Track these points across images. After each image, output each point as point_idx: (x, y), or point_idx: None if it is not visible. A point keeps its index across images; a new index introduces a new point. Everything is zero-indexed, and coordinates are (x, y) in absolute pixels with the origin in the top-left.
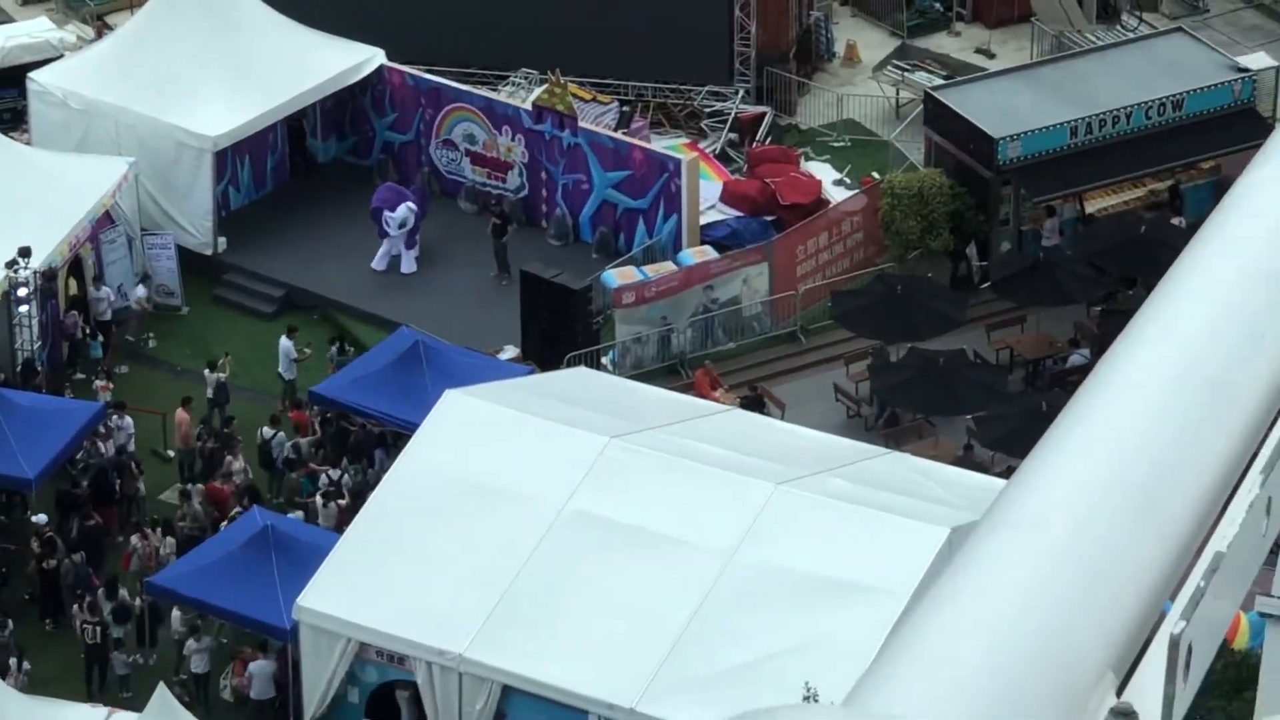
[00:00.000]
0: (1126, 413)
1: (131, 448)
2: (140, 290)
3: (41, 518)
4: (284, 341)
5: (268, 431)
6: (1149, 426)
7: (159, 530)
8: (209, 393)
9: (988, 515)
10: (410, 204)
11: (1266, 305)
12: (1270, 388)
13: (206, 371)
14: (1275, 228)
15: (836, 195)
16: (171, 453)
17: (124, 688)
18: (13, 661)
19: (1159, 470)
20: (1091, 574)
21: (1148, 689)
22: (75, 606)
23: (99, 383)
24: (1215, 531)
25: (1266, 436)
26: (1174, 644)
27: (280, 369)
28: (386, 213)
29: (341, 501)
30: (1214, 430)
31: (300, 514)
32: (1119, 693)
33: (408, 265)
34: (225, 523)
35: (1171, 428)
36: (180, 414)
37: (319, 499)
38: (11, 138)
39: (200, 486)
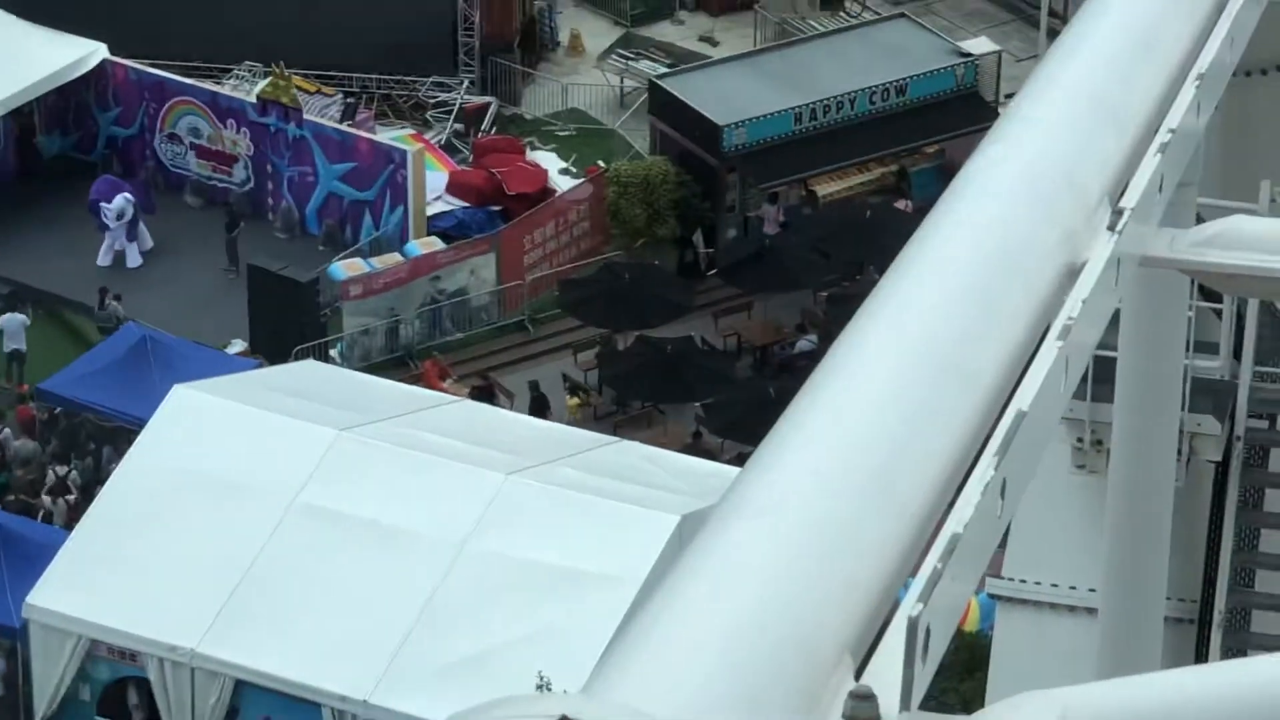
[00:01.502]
0: (859, 396)
1: None
2: None
3: None
4: (7, 317)
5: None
6: (882, 409)
7: None
8: None
9: (721, 502)
10: (127, 195)
11: (999, 286)
12: (1003, 369)
13: None
14: (1006, 208)
15: (563, 184)
16: None
17: None
18: None
19: (893, 453)
20: (827, 558)
21: (885, 672)
22: None
23: None
24: (950, 514)
25: (999, 419)
26: (912, 626)
27: (13, 345)
28: (103, 204)
29: (70, 497)
30: (947, 412)
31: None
32: (857, 675)
33: (133, 259)
34: None
35: (905, 410)
36: None
37: (46, 496)
38: None
39: None
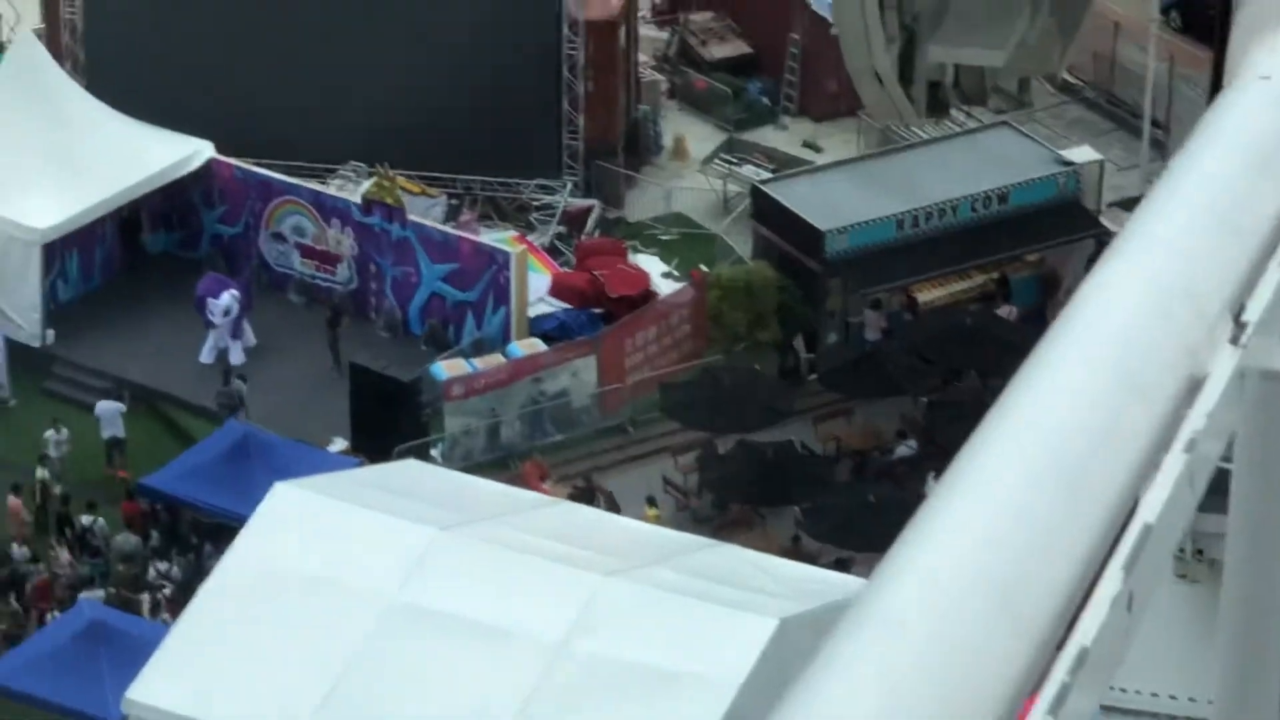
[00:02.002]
0: (982, 509)
1: None
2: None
3: None
4: (105, 404)
5: (87, 518)
6: (1005, 522)
7: None
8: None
9: (850, 611)
10: (233, 291)
11: (1121, 400)
12: (1126, 482)
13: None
14: (1127, 321)
15: (665, 288)
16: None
17: None
18: None
19: (1017, 566)
20: (951, 671)
21: None
22: None
23: None
24: (1076, 627)
25: (1123, 532)
26: None
27: (110, 429)
28: (210, 300)
29: (165, 591)
30: (1071, 525)
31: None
32: None
33: (236, 356)
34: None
35: (1028, 523)
36: (12, 501)
37: (146, 594)
38: None
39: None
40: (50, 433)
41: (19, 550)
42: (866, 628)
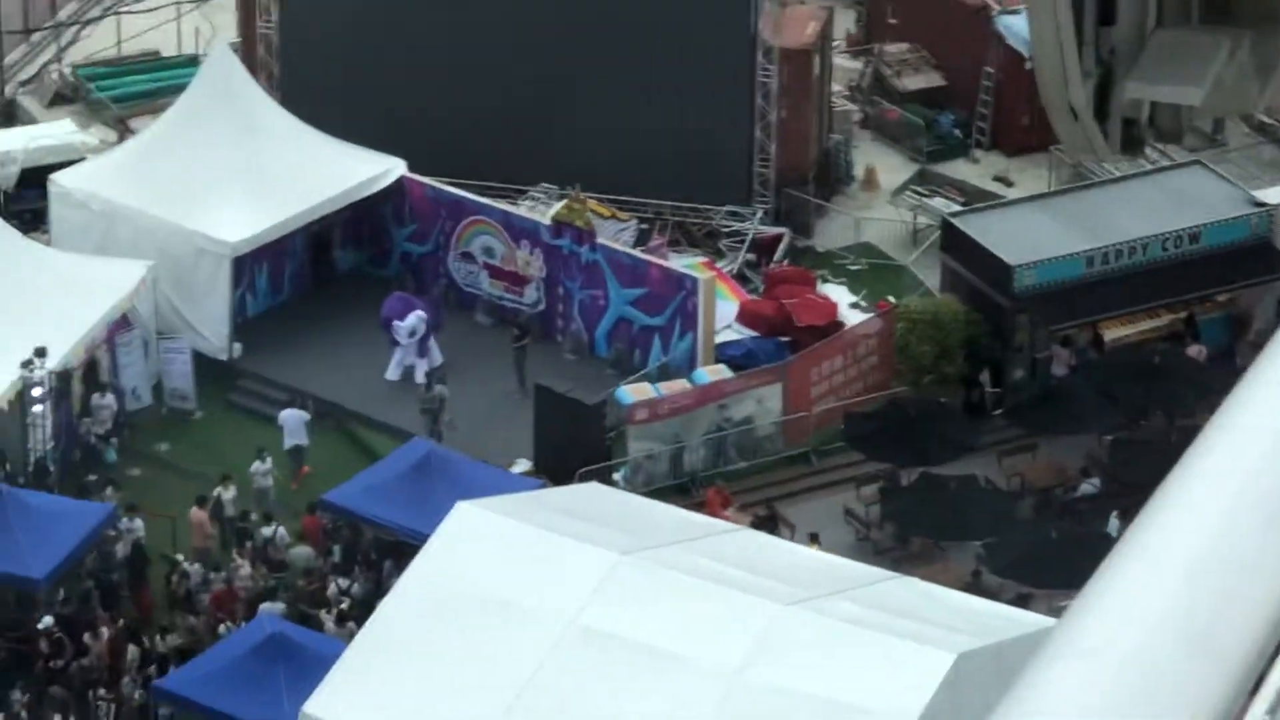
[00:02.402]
0: (1184, 545)
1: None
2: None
3: (48, 620)
4: (289, 412)
5: (266, 530)
6: (1207, 560)
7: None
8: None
9: (1046, 644)
10: (420, 312)
11: None
12: None
13: (219, 491)
14: None
15: (852, 318)
16: (181, 557)
17: None
18: None
19: (1216, 605)
20: (1146, 709)
21: None
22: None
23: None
24: (1275, 668)
25: None
26: None
27: (293, 438)
28: (396, 321)
29: (344, 606)
30: (1272, 565)
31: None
32: None
33: (421, 375)
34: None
35: (1230, 562)
36: (195, 514)
37: (325, 612)
38: (32, 238)
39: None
40: (256, 464)
41: (194, 568)
42: (1063, 660)
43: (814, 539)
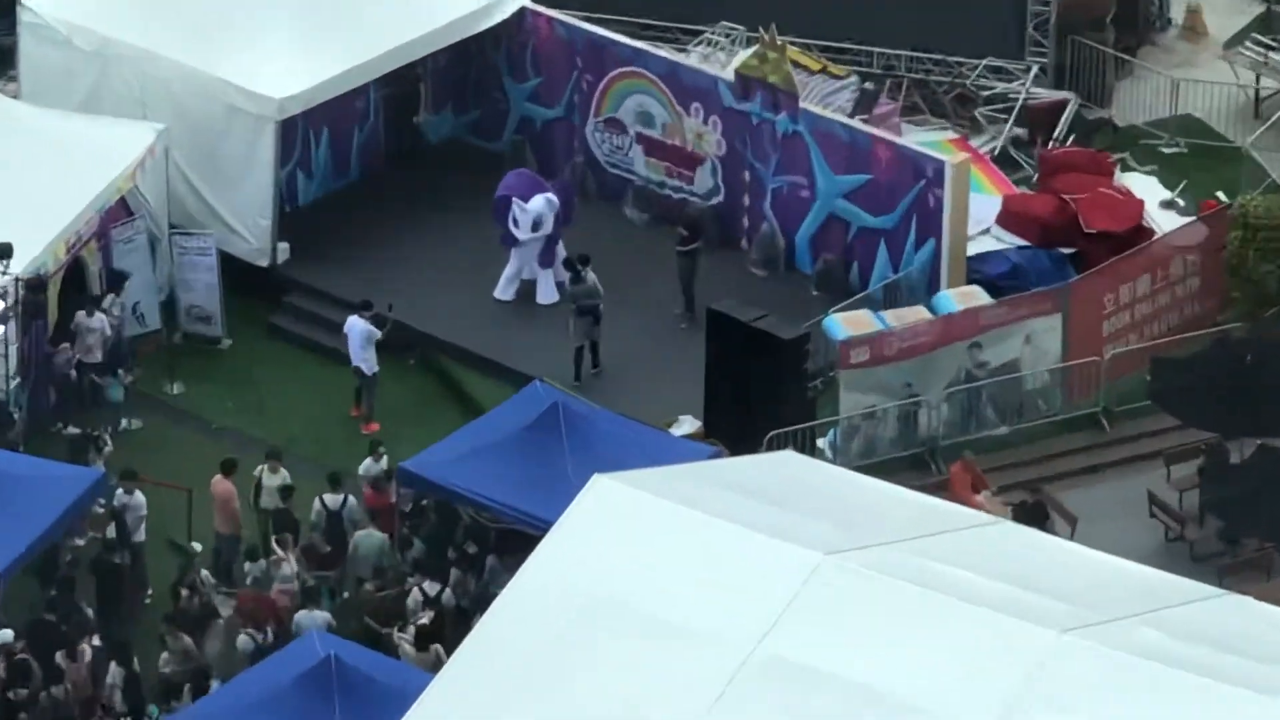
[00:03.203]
0: None
1: (141, 536)
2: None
3: (7, 634)
4: (353, 321)
5: (331, 499)
6: None
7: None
8: (264, 500)
9: None
10: (549, 195)
11: None
12: None
13: (263, 471)
14: None
15: (1164, 222)
16: (198, 545)
17: None
18: None
19: None
20: None
21: None
22: None
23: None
24: None
25: None
26: None
27: (356, 361)
28: (517, 204)
29: (426, 619)
30: None
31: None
32: None
33: (546, 293)
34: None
35: None
36: (219, 484)
37: (399, 632)
38: None
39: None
40: (263, 471)
41: (208, 575)
42: None
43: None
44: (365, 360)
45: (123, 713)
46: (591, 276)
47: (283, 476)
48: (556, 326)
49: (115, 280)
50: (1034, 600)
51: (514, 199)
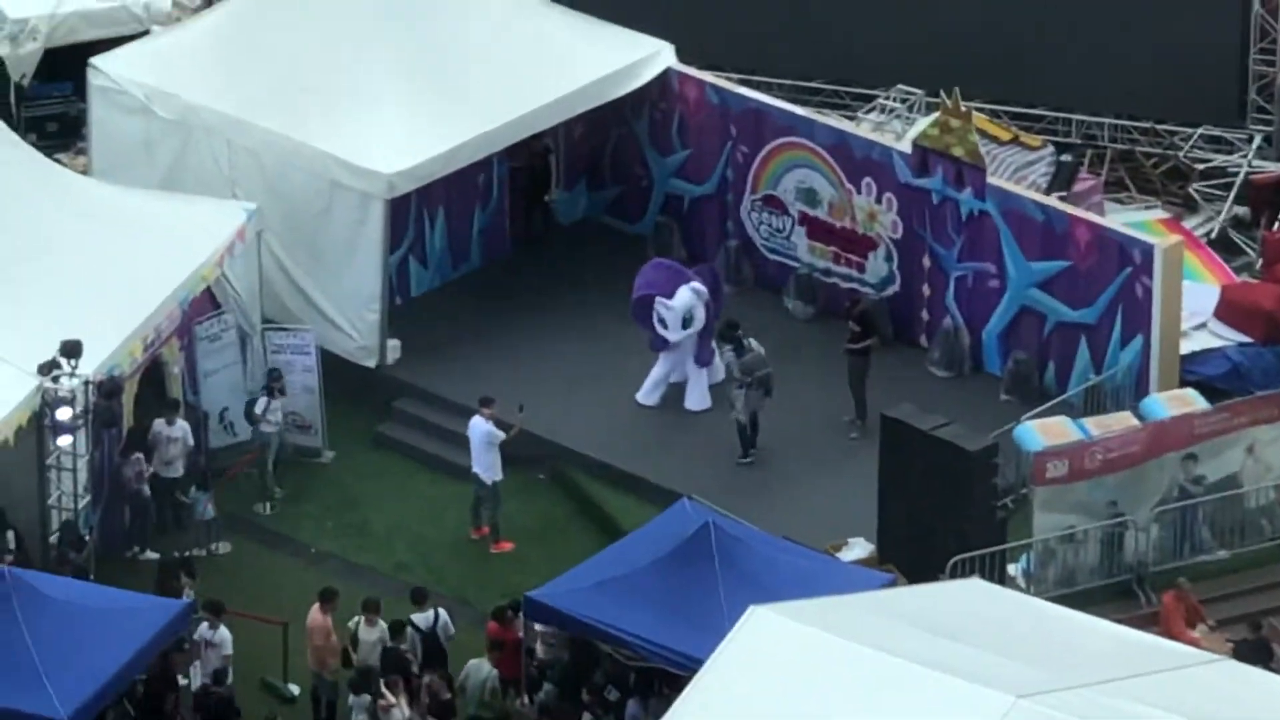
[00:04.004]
0: None
1: (229, 677)
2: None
3: None
4: (476, 421)
5: (420, 618)
6: None
7: None
8: (361, 655)
9: None
10: (697, 285)
11: None
12: None
13: (359, 623)
14: None
15: None
16: (295, 688)
17: None
18: None
19: None
20: None
21: None
22: None
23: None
24: None
25: None
26: None
27: (476, 467)
28: (661, 302)
29: None
30: None
31: None
32: None
33: (697, 398)
34: None
35: None
36: (315, 619)
37: None
38: (59, 161)
39: None
40: (359, 623)
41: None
42: None
43: None
44: (487, 466)
45: None
46: (755, 343)
47: (381, 630)
48: (705, 440)
49: (274, 377)
50: None
51: (657, 298)
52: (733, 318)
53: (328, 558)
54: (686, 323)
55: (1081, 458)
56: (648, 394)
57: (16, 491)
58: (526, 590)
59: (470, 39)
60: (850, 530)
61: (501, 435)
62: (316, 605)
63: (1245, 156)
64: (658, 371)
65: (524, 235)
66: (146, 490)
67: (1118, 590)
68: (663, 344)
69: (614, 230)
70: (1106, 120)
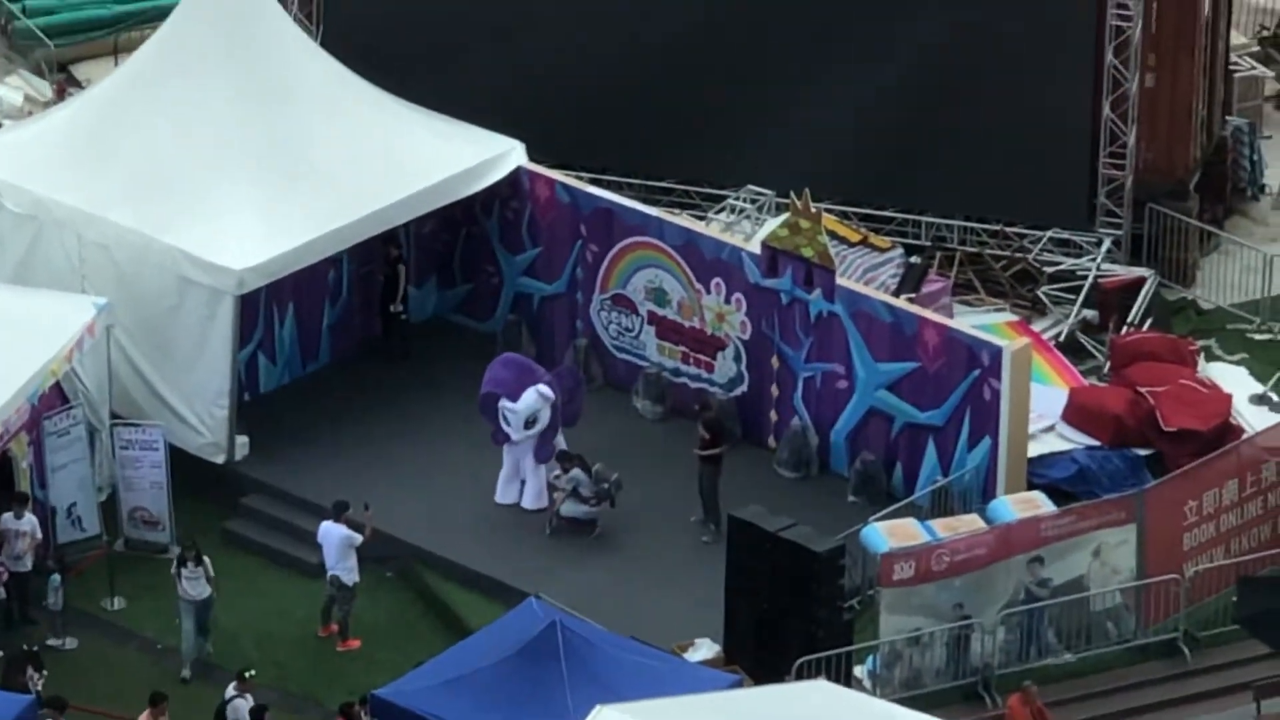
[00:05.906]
0: None
1: None
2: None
3: None
4: (329, 527)
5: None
6: None
7: None
8: None
9: None
10: (543, 388)
11: None
12: None
13: (231, 693)
14: None
15: (1255, 420)
16: None
17: None
18: None
19: None
20: None
21: None
22: None
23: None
24: None
25: None
26: None
27: (336, 570)
28: (505, 403)
29: None
30: None
31: None
32: None
33: (533, 496)
34: None
35: None
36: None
37: None
38: None
39: None
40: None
41: None
42: None
43: None
44: (347, 570)
45: None
46: (607, 473)
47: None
48: (555, 540)
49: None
50: None
51: (501, 402)
52: (576, 452)
53: (173, 653)
54: (530, 424)
55: (928, 560)
56: (503, 493)
57: None
58: (373, 688)
59: (323, 135)
60: (697, 631)
61: (359, 538)
62: (147, 711)
63: (1094, 260)
64: (505, 469)
65: (373, 333)
66: None
67: (964, 693)
68: (505, 438)
69: (464, 329)
70: (956, 222)
